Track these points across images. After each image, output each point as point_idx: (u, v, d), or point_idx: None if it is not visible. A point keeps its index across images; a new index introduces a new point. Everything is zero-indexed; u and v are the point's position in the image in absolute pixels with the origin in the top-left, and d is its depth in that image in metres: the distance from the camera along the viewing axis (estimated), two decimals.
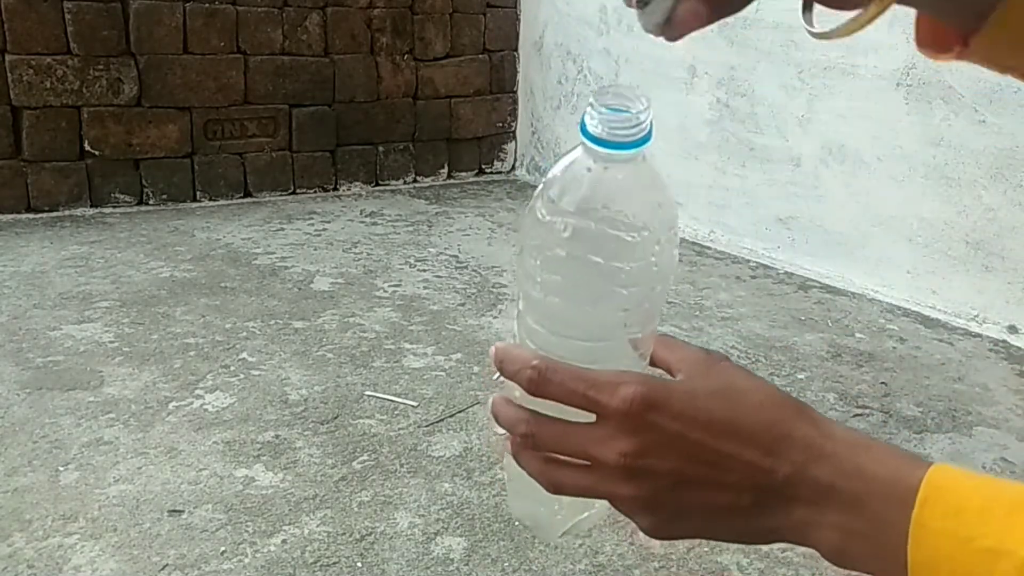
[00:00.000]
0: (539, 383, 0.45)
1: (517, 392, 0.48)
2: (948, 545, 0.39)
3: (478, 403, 2.14)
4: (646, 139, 0.44)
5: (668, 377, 0.48)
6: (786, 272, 3.31)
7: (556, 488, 0.47)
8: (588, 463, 0.45)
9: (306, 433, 1.96)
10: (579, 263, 0.45)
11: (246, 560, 1.53)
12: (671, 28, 0.43)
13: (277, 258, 3.18)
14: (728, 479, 0.43)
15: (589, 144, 0.44)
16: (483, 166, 4.62)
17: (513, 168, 4.70)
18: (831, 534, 0.43)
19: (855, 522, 0.42)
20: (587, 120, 0.44)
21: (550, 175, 0.46)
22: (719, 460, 0.43)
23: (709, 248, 3.56)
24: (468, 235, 3.60)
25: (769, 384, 0.45)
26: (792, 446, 0.43)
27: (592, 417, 0.44)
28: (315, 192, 4.14)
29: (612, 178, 0.44)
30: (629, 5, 0.45)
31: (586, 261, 0.45)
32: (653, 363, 0.49)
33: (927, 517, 0.40)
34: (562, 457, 0.46)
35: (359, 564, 1.53)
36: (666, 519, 0.45)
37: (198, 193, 3.85)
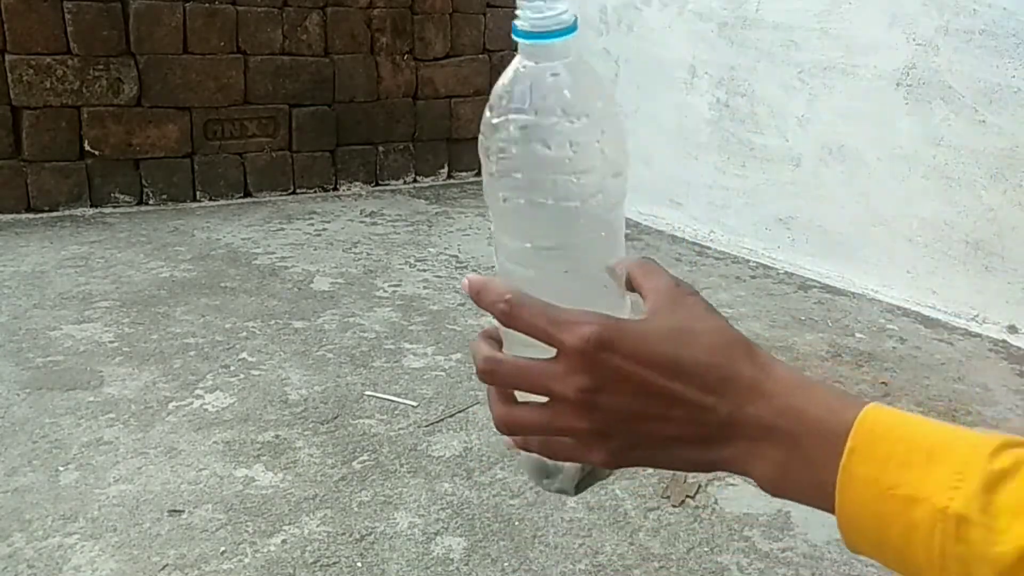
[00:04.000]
0: (509, 316, 0.48)
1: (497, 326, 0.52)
2: (870, 492, 0.42)
3: (478, 403, 2.14)
4: (569, 30, 0.47)
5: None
6: (786, 272, 3.31)
7: (513, 424, 0.50)
8: (546, 400, 0.48)
9: (306, 433, 1.96)
10: (529, 156, 0.48)
11: (246, 560, 1.53)
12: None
13: (277, 258, 3.18)
14: (674, 414, 0.46)
15: (519, 41, 0.47)
16: None
17: None
18: (767, 467, 0.46)
19: (790, 459, 0.45)
20: (515, 21, 0.47)
21: (496, 84, 0.49)
22: (666, 397, 0.46)
23: (709, 248, 3.56)
24: (468, 235, 3.60)
25: (723, 324, 0.48)
26: (734, 386, 0.46)
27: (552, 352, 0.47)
28: (315, 192, 4.14)
29: (547, 72, 0.47)
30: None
31: (534, 152, 0.47)
32: (631, 288, 0.53)
33: (854, 464, 0.42)
34: (525, 399, 0.50)
35: (359, 564, 1.53)
36: (619, 449, 0.48)
37: (198, 193, 3.85)
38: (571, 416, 0.47)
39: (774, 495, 0.47)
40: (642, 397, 0.46)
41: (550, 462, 0.56)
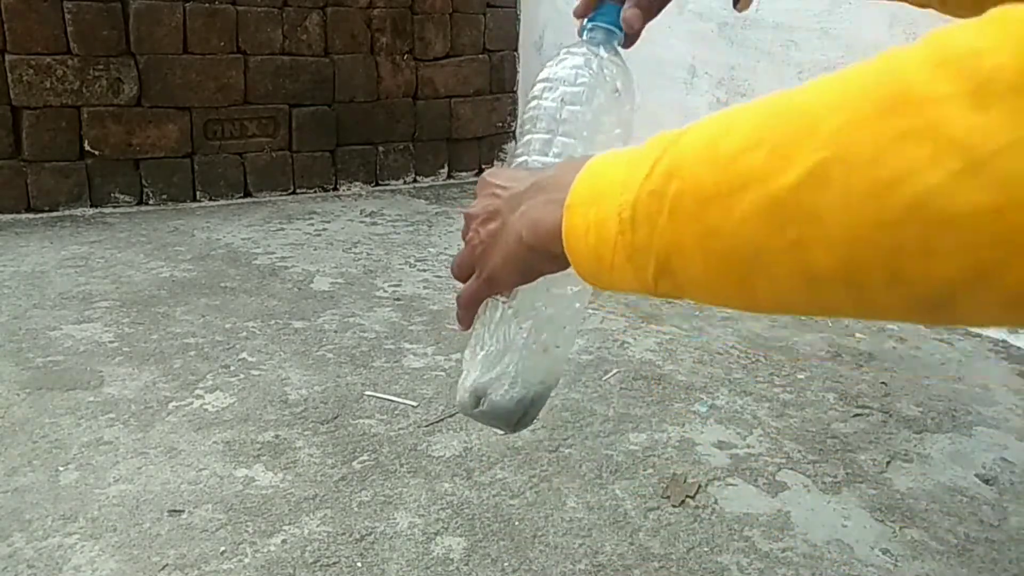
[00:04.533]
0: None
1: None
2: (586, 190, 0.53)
3: None
4: (614, 32, 0.75)
5: None
6: None
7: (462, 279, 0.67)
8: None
9: (306, 433, 1.96)
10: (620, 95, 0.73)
11: (246, 560, 1.53)
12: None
13: (277, 258, 3.18)
14: (501, 195, 0.61)
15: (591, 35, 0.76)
16: (483, 166, 4.62)
17: None
18: (543, 210, 0.56)
19: (548, 194, 0.56)
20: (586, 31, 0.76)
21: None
22: (499, 189, 0.62)
23: None
24: None
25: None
26: (531, 175, 0.60)
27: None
28: (315, 192, 4.14)
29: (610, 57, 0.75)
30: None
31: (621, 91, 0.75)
32: None
33: (585, 171, 0.54)
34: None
35: (359, 564, 1.53)
36: (492, 246, 0.61)
37: (198, 193, 3.85)
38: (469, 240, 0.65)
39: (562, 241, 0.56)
40: (488, 197, 0.62)
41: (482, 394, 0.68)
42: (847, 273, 0.37)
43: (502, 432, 0.74)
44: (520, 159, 0.70)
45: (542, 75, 0.71)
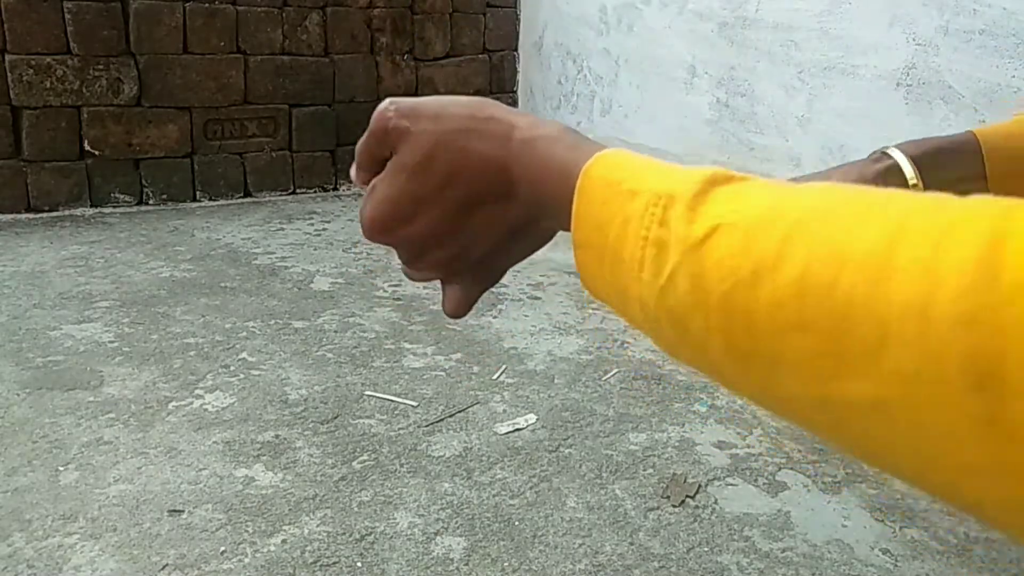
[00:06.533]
0: None
1: None
2: (600, 190, 0.42)
3: (478, 403, 2.14)
4: None
5: None
6: None
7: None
8: None
9: (306, 433, 1.96)
10: None
11: (246, 560, 1.53)
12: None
13: (277, 258, 3.18)
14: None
15: None
16: None
17: None
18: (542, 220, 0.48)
19: (543, 211, 0.47)
20: None
21: None
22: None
23: None
24: None
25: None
26: (495, 121, 0.48)
27: None
28: (315, 192, 4.14)
29: None
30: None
31: None
32: None
33: (592, 168, 0.43)
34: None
35: (359, 564, 1.53)
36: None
37: (198, 193, 3.85)
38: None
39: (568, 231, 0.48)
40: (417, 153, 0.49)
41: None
42: None
43: None
44: None
45: None
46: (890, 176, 0.66)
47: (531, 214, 0.49)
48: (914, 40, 2.89)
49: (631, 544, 1.62)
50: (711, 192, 0.38)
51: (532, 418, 2.07)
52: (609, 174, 0.42)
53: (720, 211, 0.37)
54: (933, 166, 0.67)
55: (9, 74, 3.35)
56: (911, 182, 0.66)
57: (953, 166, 0.68)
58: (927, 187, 0.65)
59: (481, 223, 0.49)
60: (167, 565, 1.51)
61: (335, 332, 2.53)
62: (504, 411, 2.09)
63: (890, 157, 0.67)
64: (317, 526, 1.63)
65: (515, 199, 0.48)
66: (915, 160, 0.66)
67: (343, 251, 3.30)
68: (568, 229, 0.45)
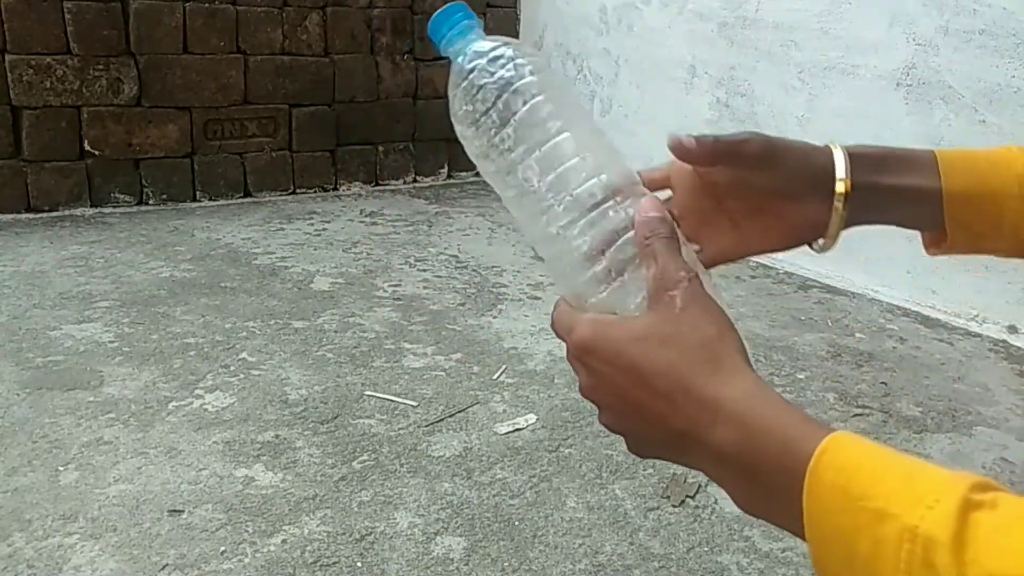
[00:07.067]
0: (555, 327, 0.55)
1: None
2: (838, 503, 0.39)
3: (478, 403, 2.14)
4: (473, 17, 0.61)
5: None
6: (786, 272, 3.31)
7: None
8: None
9: (306, 433, 1.96)
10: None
11: (246, 560, 1.53)
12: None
13: (277, 258, 3.18)
14: (645, 416, 0.49)
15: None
16: None
17: None
18: (733, 491, 0.47)
19: (751, 489, 0.45)
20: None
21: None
22: (633, 402, 0.49)
23: None
24: (468, 235, 3.60)
25: (696, 323, 0.49)
26: (687, 401, 0.47)
27: None
28: (315, 192, 4.14)
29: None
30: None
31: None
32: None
33: (822, 469, 0.40)
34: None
35: (359, 564, 1.53)
36: (631, 442, 0.52)
37: (198, 193, 3.85)
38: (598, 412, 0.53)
39: (747, 513, 0.48)
40: (619, 399, 0.50)
41: None
42: None
43: None
44: (525, 180, 0.59)
45: (466, 97, 0.57)
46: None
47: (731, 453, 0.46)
48: (914, 40, 2.89)
49: (631, 544, 1.62)
50: (970, 531, 0.36)
51: (532, 418, 2.07)
52: (845, 481, 0.40)
53: (991, 568, 0.34)
54: (875, 170, 0.63)
55: (9, 74, 3.35)
56: (839, 176, 0.63)
57: (901, 173, 0.64)
58: (855, 188, 0.63)
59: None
60: (167, 565, 1.51)
61: (335, 332, 2.53)
62: (504, 411, 2.09)
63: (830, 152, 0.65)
64: (317, 526, 1.63)
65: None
66: (853, 159, 0.63)
67: (343, 251, 3.30)
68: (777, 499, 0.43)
